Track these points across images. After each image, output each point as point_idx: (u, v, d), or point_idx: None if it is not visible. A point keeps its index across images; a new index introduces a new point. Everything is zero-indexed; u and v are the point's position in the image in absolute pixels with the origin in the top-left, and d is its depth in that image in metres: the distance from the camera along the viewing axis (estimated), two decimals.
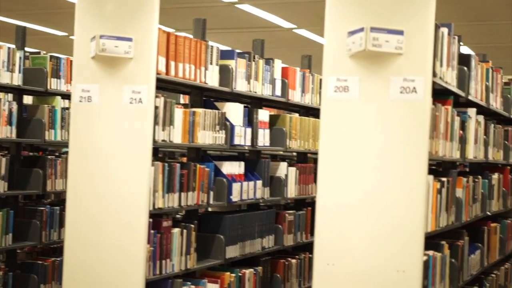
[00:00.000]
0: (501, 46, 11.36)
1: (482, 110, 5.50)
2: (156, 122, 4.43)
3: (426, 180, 3.69)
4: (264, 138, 5.72)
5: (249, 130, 5.49)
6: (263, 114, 5.72)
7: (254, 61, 5.59)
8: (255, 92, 5.61)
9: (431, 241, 4.20)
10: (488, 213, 5.51)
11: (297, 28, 10.36)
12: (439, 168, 5.38)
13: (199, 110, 4.90)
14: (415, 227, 3.66)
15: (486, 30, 10.22)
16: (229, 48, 5.76)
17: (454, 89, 4.27)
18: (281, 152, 8.68)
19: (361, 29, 3.66)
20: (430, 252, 4.00)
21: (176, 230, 4.68)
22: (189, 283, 4.81)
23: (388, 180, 3.71)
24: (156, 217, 4.57)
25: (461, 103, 4.94)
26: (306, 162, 6.62)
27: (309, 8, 9.21)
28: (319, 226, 3.85)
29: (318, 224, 3.86)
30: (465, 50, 11.17)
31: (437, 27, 3.81)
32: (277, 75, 5.95)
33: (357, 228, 3.77)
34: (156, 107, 4.43)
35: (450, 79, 4.14)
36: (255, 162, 5.76)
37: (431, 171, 4.01)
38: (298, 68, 6.45)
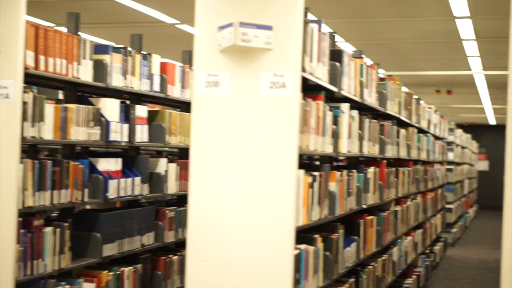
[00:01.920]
0: (380, 43, 11.64)
1: (359, 105, 5.60)
2: (24, 118, 4.30)
3: (296, 174, 3.72)
4: (142, 134, 5.64)
5: (126, 126, 5.40)
6: (141, 110, 5.64)
7: (130, 56, 5.50)
8: (132, 88, 5.53)
9: (304, 234, 4.25)
10: (364, 206, 5.61)
11: (180, 24, 10.29)
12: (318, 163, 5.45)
13: (72, 106, 4.78)
14: (285, 221, 3.69)
15: (366, 27, 10.43)
16: (108, 43, 5.65)
17: (326, 84, 4.33)
18: (167, 149, 8.63)
19: (230, 24, 3.66)
20: (303, 246, 4.03)
21: (48, 229, 4.55)
22: (63, 283, 4.70)
23: (258, 175, 3.73)
24: (28, 216, 4.44)
25: (338, 99, 5.01)
26: (187, 158, 6.57)
27: (192, 4, 9.18)
28: (192, 222, 3.84)
29: (191, 220, 3.84)
30: (347, 47, 11.39)
31: (306, 23, 3.85)
32: (155, 70, 5.88)
33: (228, 223, 3.77)
34: (25, 103, 4.30)
35: (321, 75, 4.19)
36: (133, 158, 5.68)
37: (305, 166, 4.06)
38: (179, 64, 6.39)
